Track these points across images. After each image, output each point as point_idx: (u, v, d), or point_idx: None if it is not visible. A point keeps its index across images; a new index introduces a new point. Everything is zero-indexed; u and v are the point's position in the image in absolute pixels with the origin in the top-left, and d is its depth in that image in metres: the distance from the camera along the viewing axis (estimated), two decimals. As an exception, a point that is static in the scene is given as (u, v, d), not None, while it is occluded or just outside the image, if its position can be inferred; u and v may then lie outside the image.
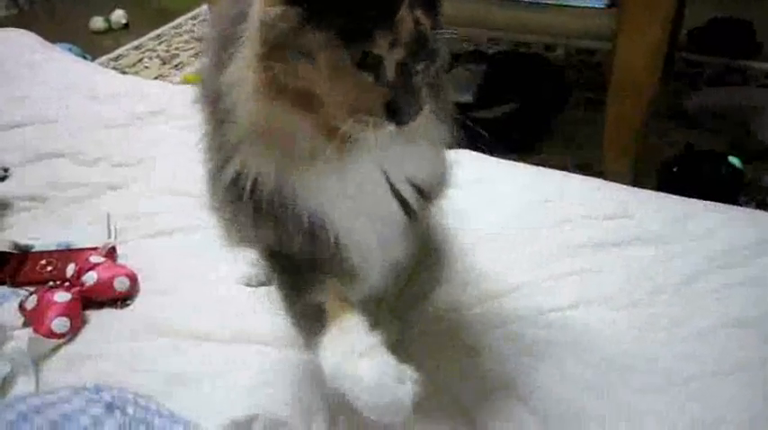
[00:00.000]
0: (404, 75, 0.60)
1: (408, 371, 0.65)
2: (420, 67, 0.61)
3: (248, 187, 0.68)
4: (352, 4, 0.57)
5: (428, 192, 0.78)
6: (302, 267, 0.74)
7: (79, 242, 1.18)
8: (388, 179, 0.72)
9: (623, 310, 0.95)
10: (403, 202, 0.75)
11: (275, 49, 0.59)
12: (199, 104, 0.76)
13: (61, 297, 0.99)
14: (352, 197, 0.70)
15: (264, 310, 1.02)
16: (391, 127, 0.61)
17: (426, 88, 0.64)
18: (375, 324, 0.69)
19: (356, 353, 0.64)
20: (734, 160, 1.61)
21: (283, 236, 0.72)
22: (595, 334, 0.92)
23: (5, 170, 1.42)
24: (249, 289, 1.08)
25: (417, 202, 0.76)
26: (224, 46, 0.65)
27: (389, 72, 0.60)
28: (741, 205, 1.36)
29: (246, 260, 1.09)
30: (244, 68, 0.62)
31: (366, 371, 0.62)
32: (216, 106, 0.68)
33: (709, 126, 1.88)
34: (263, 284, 1.09)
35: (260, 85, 0.61)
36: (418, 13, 0.59)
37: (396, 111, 0.60)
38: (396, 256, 0.80)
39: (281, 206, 0.69)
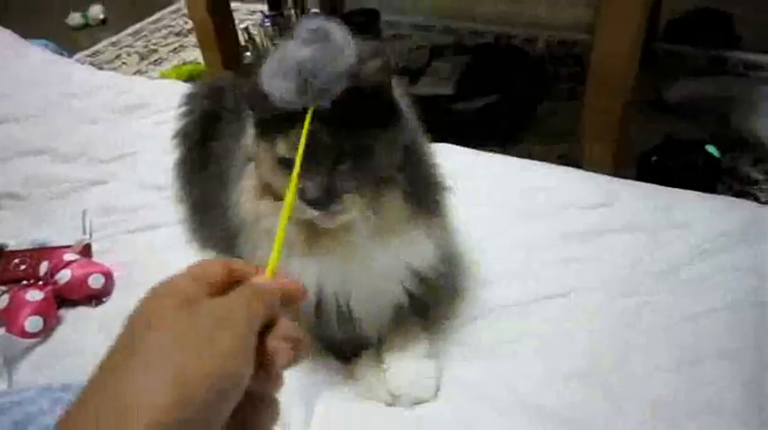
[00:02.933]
0: (314, 170, 0.68)
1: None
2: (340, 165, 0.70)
3: None
4: (272, 124, 0.71)
5: (433, 281, 0.85)
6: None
7: (57, 239, 1.16)
8: (388, 267, 0.80)
9: (610, 299, 0.95)
10: (408, 293, 0.84)
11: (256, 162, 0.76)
12: None
13: (34, 295, 0.98)
14: (348, 284, 0.79)
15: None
16: (313, 212, 0.71)
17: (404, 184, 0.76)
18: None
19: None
20: (711, 149, 1.62)
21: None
22: (582, 322, 0.92)
23: (-19, 169, 1.40)
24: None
25: (421, 290, 0.84)
26: None
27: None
28: (719, 193, 1.37)
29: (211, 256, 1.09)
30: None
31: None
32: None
33: (689, 115, 1.89)
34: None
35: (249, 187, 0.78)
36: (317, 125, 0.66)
37: (310, 201, 0.69)
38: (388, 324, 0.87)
39: None
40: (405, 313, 0.87)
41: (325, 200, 0.69)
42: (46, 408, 0.63)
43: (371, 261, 0.78)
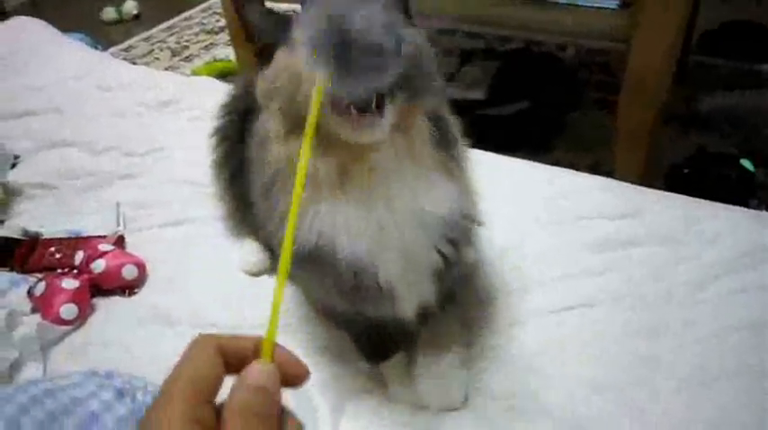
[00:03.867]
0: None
1: None
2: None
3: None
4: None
5: (457, 235, 0.78)
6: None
7: (88, 230, 1.18)
8: (412, 215, 0.73)
9: (633, 311, 0.95)
10: (440, 253, 0.77)
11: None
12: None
13: (69, 284, 1.00)
14: (379, 233, 0.72)
15: (269, 299, 1.02)
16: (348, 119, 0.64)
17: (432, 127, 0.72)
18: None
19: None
20: (745, 163, 1.60)
21: (325, 283, 0.77)
22: (604, 334, 0.92)
23: (16, 157, 1.42)
24: (254, 278, 1.08)
25: (446, 245, 0.77)
26: None
27: None
28: (751, 208, 1.35)
29: (250, 249, 1.10)
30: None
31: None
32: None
33: (722, 129, 1.87)
34: (266, 273, 1.08)
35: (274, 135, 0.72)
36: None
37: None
38: (427, 299, 0.81)
39: (317, 251, 0.72)
40: (442, 286, 0.81)
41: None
42: (91, 393, 0.64)
43: (397, 205, 0.72)
